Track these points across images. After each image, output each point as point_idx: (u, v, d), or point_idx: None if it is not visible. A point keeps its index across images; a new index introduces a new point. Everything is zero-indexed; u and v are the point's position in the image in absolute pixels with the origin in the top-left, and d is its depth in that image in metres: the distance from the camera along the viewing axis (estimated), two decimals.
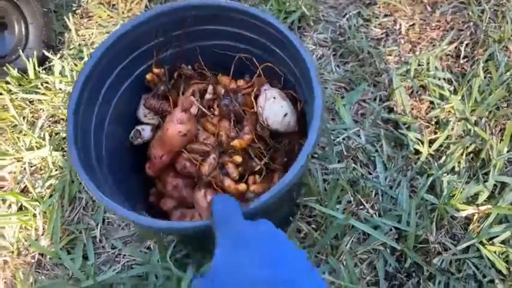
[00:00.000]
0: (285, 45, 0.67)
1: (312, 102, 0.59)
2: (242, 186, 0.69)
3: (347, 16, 1.15)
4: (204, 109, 0.76)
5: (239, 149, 0.71)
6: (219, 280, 0.37)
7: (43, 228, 0.83)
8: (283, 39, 0.66)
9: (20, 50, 1.07)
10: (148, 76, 0.76)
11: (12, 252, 0.81)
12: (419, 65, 1.00)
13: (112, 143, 0.72)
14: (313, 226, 0.79)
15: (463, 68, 1.01)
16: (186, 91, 0.80)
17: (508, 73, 0.95)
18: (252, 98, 0.74)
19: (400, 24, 1.11)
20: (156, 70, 0.76)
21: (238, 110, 0.74)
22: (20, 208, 0.86)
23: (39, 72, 1.06)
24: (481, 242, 0.76)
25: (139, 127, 0.77)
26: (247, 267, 0.37)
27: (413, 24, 1.12)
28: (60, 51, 1.14)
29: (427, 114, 0.93)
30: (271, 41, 0.71)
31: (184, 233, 0.62)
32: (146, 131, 0.77)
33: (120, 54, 0.69)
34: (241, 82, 0.79)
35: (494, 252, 0.75)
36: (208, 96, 0.79)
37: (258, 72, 0.75)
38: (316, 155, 0.88)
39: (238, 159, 0.71)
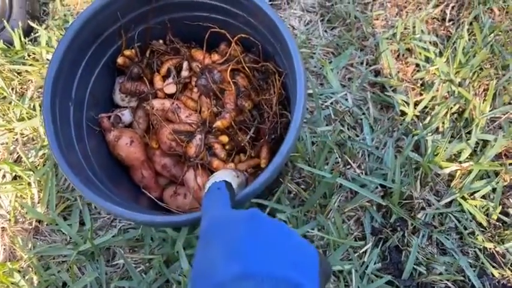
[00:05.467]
0: (260, 16, 0.66)
1: (294, 80, 0.59)
2: (230, 167, 0.71)
3: None
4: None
5: (223, 129, 0.72)
6: (192, 280, 0.34)
7: (38, 197, 0.84)
8: (257, 11, 0.65)
9: (5, 21, 1.05)
10: (120, 60, 0.75)
11: (10, 220, 0.83)
12: (405, 28, 1.01)
13: (93, 131, 0.73)
14: (303, 187, 0.82)
15: (449, 30, 1.02)
16: (160, 68, 0.79)
17: (491, 35, 0.96)
18: (228, 72, 0.73)
19: None
20: (127, 52, 0.75)
21: (217, 88, 0.73)
22: (15, 178, 0.87)
23: (25, 43, 1.05)
24: (463, 197, 0.79)
25: (118, 112, 0.77)
26: (215, 263, 0.33)
27: None
28: (46, 22, 1.13)
29: (412, 76, 0.95)
30: (245, 12, 0.69)
31: (172, 226, 0.64)
32: (126, 115, 0.77)
33: (85, 42, 0.68)
34: (215, 56, 0.77)
35: (475, 206, 0.79)
36: (184, 73, 0.78)
37: (232, 46, 0.74)
38: (304, 120, 0.90)
39: (224, 139, 0.72)
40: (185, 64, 0.79)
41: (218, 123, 0.71)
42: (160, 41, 0.80)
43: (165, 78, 0.80)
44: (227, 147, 0.73)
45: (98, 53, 0.72)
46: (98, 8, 0.65)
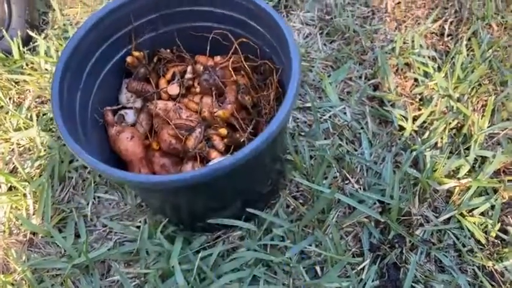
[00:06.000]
0: (260, 17, 0.69)
1: (289, 62, 0.61)
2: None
3: None
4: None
5: (223, 119, 0.73)
6: None
7: (34, 208, 0.84)
8: (259, 11, 0.68)
9: (4, 30, 1.05)
10: (129, 59, 0.77)
11: (4, 231, 0.82)
12: (404, 42, 1.02)
13: (97, 128, 0.74)
14: (301, 201, 0.81)
15: (447, 45, 1.02)
16: (166, 74, 0.82)
17: (490, 50, 0.97)
18: (230, 69, 0.76)
19: (386, 3, 1.12)
20: (136, 53, 0.78)
21: (218, 82, 0.76)
22: (10, 188, 0.87)
23: (23, 52, 1.05)
24: (461, 214, 0.79)
25: (122, 112, 0.78)
26: None
27: (399, 2, 1.12)
28: (45, 31, 1.13)
29: (411, 91, 0.95)
30: (247, 15, 0.72)
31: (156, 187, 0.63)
32: (129, 115, 0.79)
33: (97, 41, 0.70)
34: (218, 58, 0.81)
35: (474, 223, 0.78)
36: (188, 75, 0.80)
37: (233, 47, 0.76)
38: (303, 133, 0.90)
39: (223, 131, 0.73)
40: (189, 68, 0.81)
41: (219, 113, 0.73)
42: (168, 50, 0.83)
43: (169, 82, 0.83)
44: (225, 140, 0.74)
45: (108, 52, 0.74)
46: (113, 7, 0.69)
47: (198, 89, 0.79)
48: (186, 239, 0.78)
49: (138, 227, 0.81)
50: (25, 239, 0.81)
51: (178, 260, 0.73)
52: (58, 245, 0.79)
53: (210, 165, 0.55)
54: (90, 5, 1.18)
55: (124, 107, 0.80)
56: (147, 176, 0.59)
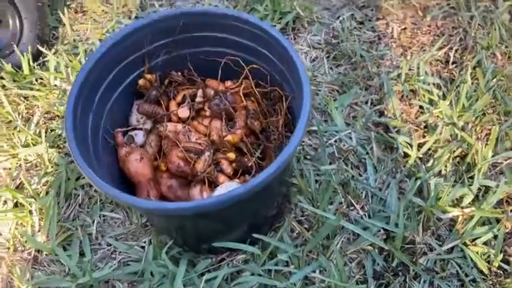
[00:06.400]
0: (272, 45, 0.71)
1: (300, 90, 0.62)
2: (236, 181, 0.72)
3: (340, 18, 1.17)
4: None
5: (232, 144, 0.74)
6: None
7: (39, 225, 0.84)
8: (271, 40, 0.70)
9: (14, 45, 1.07)
10: (141, 81, 0.79)
11: (9, 248, 0.82)
12: (410, 69, 1.03)
13: (107, 148, 0.75)
14: (306, 226, 0.82)
15: (452, 73, 1.04)
16: (176, 96, 0.83)
17: (494, 80, 0.98)
18: (241, 94, 0.77)
19: (392, 28, 1.14)
20: (148, 76, 0.79)
21: (229, 107, 0.77)
22: (16, 205, 0.87)
23: (33, 67, 1.06)
24: (464, 243, 0.79)
25: (132, 133, 0.80)
26: None
27: (405, 28, 1.14)
28: (55, 47, 1.14)
29: (416, 118, 0.96)
30: (258, 43, 0.74)
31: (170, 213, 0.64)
32: (139, 136, 0.80)
33: (110, 64, 0.72)
34: (228, 83, 0.82)
35: (477, 252, 0.79)
36: (198, 99, 0.82)
37: (244, 73, 0.78)
38: (308, 156, 0.90)
39: (232, 156, 0.74)
40: (200, 92, 0.82)
41: (229, 137, 0.74)
42: (179, 73, 0.84)
43: (180, 105, 0.84)
44: (234, 164, 0.75)
45: (121, 74, 0.76)
46: (128, 32, 0.71)
47: (207, 113, 0.80)
48: (191, 261, 0.78)
49: (143, 247, 0.82)
50: (30, 257, 0.81)
51: (182, 282, 0.74)
52: (62, 264, 0.80)
53: (228, 193, 0.56)
54: (101, 21, 1.20)
55: (134, 128, 0.81)
56: (163, 203, 0.59)
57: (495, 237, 0.80)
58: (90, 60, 0.67)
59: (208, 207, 0.55)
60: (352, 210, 0.82)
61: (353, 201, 0.83)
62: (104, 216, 0.86)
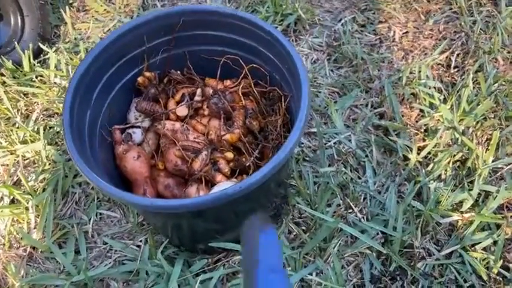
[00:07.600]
0: (273, 45, 0.70)
1: (300, 90, 0.62)
2: (233, 181, 0.71)
3: (342, 21, 1.17)
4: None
5: (231, 143, 0.74)
6: None
7: (35, 222, 0.83)
8: (271, 40, 0.69)
9: (15, 42, 1.07)
10: (140, 79, 0.79)
11: (4, 244, 0.82)
12: (411, 73, 1.03)
13: (104, 145, 0.74)
14: (303, 228, 0.81)
15: (453, 77, 1.03)
16: (175, 95, 0.83)
17: (495, 84, 0.98)
18: (240, 94, 0.77)
19: (394, 32, 1.14)
20: (147, 74, 0.79)
21: (227, 106, 0.76)
22: (12, 201, 0.86)
23: (34, 65, 1.06)
24: (463, 248, 0.79)
25: (130, 130, 0.79)
26: None
27: (407, 32, 1.14)
28: (56, 45, 1.14)
29: (416, 121, 0.95)
30: (258, 42, 0.74)
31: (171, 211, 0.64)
32: (137, 134, 0.79)
33: (109, 60, 0.71)
34: (228, 82, 0.82)
35: (476, 258, 0.78)
36: (197, 98, 0.81)
37: (244, 72, 0.78)
38: (307, 158, 0.90)
39: (229, 155, 0.73)
40: (199, 90, 0.82)
41: (227, 137, 0.73)
42: (178, 72, 0.83)
43: (178, 103, 0.83)
44: (231, 164, 0.75)
45: (120, 72, 0.75)
46: (129, 28, 0.70)
47: (206, 111, 0.80)
48: (186, 261, 0.77)
49: (139, 246, 0.81)
50: (25, 254, 0.81)
51: (177, 282, 0.73)
52: (57, 261, 0.79)
53: (221, 191, 0.55)
54: (102, 20, 1.20)
55: (132, 126, 0.81)
56: (155, 200, 0.58)
57: (495, 243, 0.79)
58: (89, 56, 0.67)
59: (200, 205, 0.54)
60: (350, 212, 0.82)
61: (351, 204, 0.82)
62: (100, 214, 0.86)
